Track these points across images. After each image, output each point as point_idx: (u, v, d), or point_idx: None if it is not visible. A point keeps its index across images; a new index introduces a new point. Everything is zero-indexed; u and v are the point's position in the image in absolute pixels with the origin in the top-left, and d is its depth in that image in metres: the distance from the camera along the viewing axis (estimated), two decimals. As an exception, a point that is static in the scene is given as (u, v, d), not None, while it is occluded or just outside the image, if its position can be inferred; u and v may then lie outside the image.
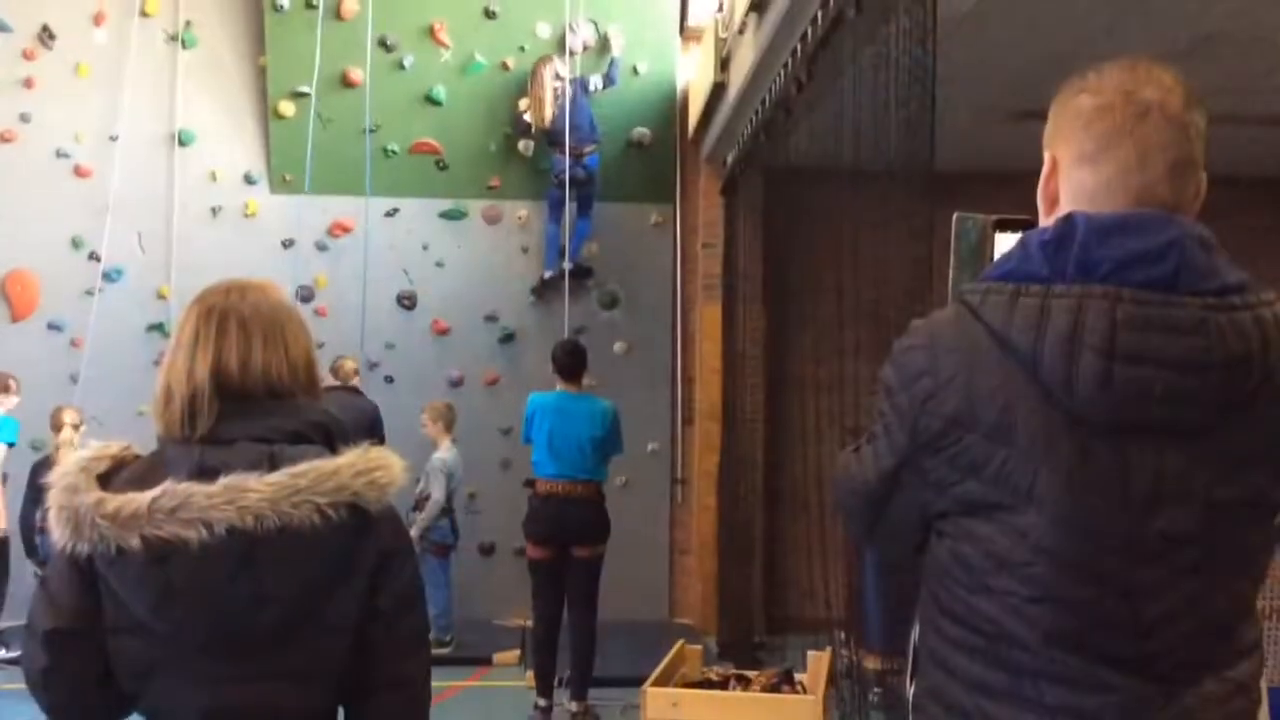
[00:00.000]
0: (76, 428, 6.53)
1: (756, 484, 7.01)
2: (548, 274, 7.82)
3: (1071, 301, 1.30)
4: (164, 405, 1.57)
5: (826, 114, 5.11)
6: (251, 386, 1.56)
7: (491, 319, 7.99)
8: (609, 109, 7.87)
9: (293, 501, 1.48)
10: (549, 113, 7.48)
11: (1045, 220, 1.44)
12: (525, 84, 7.66)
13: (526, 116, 7.60)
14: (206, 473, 1.51)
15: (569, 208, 7.63)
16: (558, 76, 7.51)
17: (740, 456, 7.08)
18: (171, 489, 1.48)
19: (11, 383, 6.73)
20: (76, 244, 7.76)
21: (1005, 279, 1.36)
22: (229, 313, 1.60)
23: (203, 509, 1.46)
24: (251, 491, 1.47)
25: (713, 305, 7.81)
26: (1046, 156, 1.44)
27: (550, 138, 7.62)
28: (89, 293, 7.68)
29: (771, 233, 7.10)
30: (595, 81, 7.58)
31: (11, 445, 6.65)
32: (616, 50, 7.66)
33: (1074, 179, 1.40)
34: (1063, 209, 1.40)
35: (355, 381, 6.84)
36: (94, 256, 7.73)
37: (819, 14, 4.62)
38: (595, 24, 7.79)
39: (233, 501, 1.46)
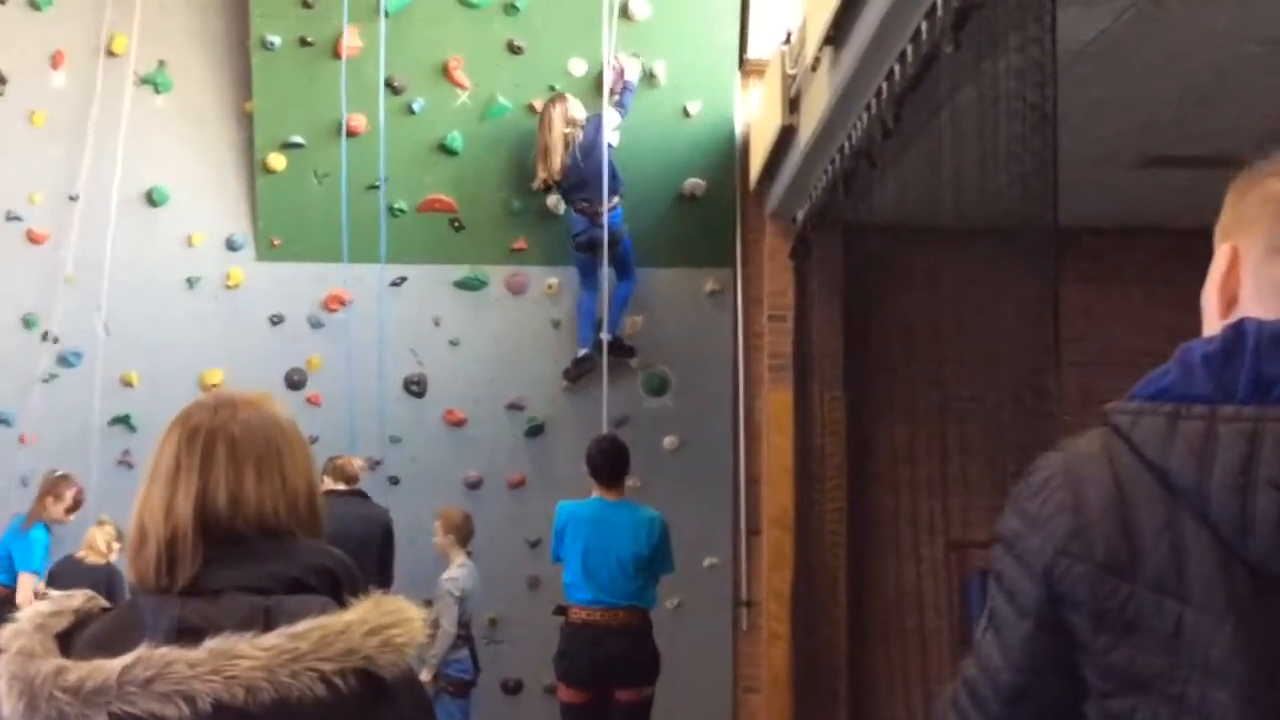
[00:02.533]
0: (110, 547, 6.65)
1: (839, 608, 6.89)
2: (581, 352, 7.86)
3: (1244, 426, 1.26)
4: (137, 548, 1.55)
5: (919, 163, 5.13)
6: (243, 526, 1.54)
7: (516, 408, 8.01)
8: (656, 156, 7.97)
9: (292, 670, 1.45)
10: (557, 164, 7.56)
11: (1214, 325, 1.39)
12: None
13: (536, 171, 7.70)
14: (188, 633, 1.48)
15: (605, 272, 7.67)
16: (570, 121, 7.59)
17: (818, 574, 6.98)
18: (146, 655, 1.45)
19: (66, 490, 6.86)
20: (28, 322, 7.91)
21: (1160, 397, 1.32)
22: (216, 435, 1.59)
23: (183, 680, 1.43)
24: (242, 658, 1.44)
25: (782, 390, 7.79)
26: (1223, 249, 1.40)
27: (565, 192, 7.72)
28: (42, 380, 7.80)
29: (852, 303, 7.10)
30: (613, 121, 7.65)
31: (37, 573, 6.72)
32: (632, 74, 7.74)
33: (1265, 276, 1.36)
34: (1245, 311, 1.36)
35: (358, 484, 6.84)
36: (48, 337, 7.88)
37: (908, 49, 4.65)
38: (639, 58, 7.89)
39: (220, 671, 1.43)
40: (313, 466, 1.64)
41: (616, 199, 7.64)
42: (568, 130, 7.60)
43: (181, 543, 1.53)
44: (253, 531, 1.55)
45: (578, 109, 7.65)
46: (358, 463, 6.97)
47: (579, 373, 7.90)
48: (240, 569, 1.52)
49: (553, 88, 7.87)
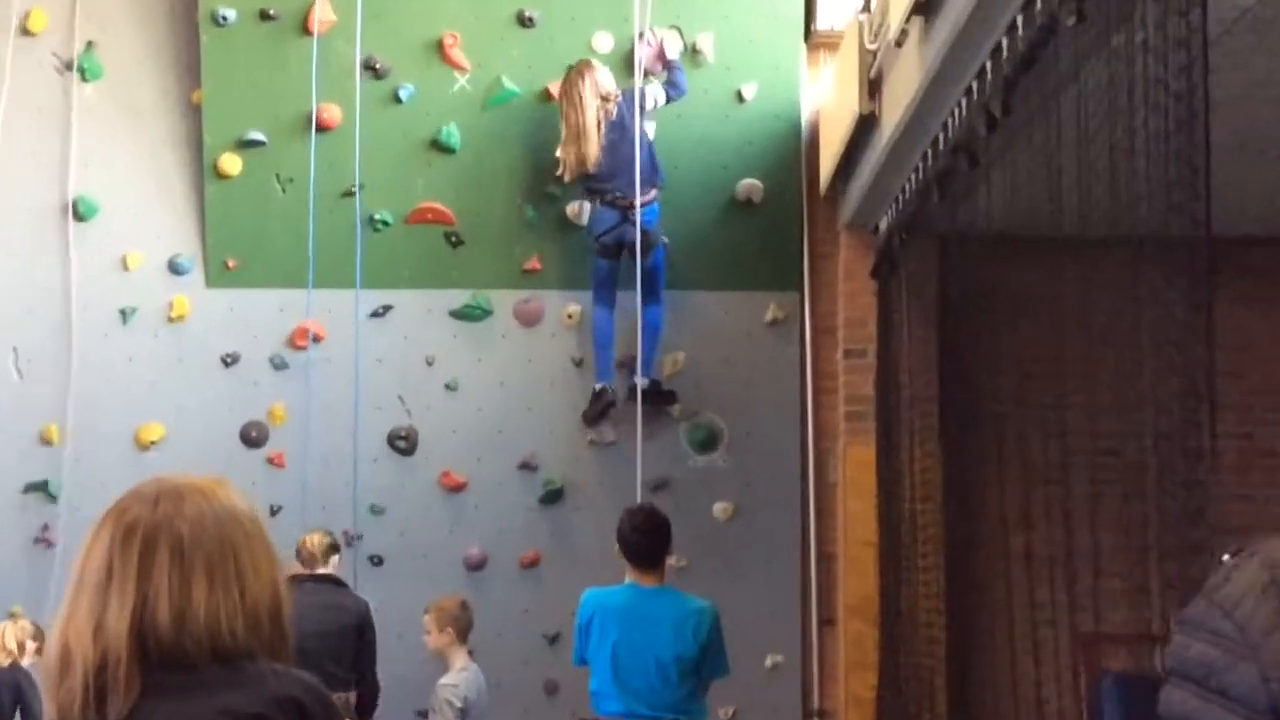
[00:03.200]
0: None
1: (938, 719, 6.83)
2: (599, 386, 7.87)
3: None
4: (59, 677, 1.54)
5: (1033, 160, 5.13)
6: (191, 648, 1.53)
7: (528, 469, 8.03)
8: (702, 152, 8.02)
9: None
10: (594, 149, 7.61)
11: None
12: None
13: (558, 153, 7.74)
14: None
15: (638, 287, 7.70)
16: (603, 95, 7.63)
17: (910, 677, 6.93)
18: None
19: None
20: (-77, 365, 8.01)
21: None
22: (158, 533, 1.58)
23: None
24: None
25: (862, 444, 7.78)
26: None
27: (590, 182, 7.76)
28: (-59, 436, 7.87)
29: (951, 333, 7.07)
30: (654, 95, 7.71)
31: None
32: (673, 52, 7.83)
33: None
34: None
35: (330, 567, 6.82)
36: (-51, 383, 7.95)
37: (1019, 20, 4.66)
38: (680, 30, 7.93)
39: None
40: (279, 571, 1.62)
41: (655, 192, 7.69)
42: (600, 104, 7.64)
43: (114, 670, 1.52)
44: (203, 655, 1.54)
45: (607, 79, 7.72)
46: (319, 540, 6.82)
47: (598, 412, 7.91)
48: (187, 702, 1.51)
49: (571, 67, 7.90)
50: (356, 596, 6.90)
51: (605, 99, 7.64)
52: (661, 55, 7.87)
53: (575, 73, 7.70)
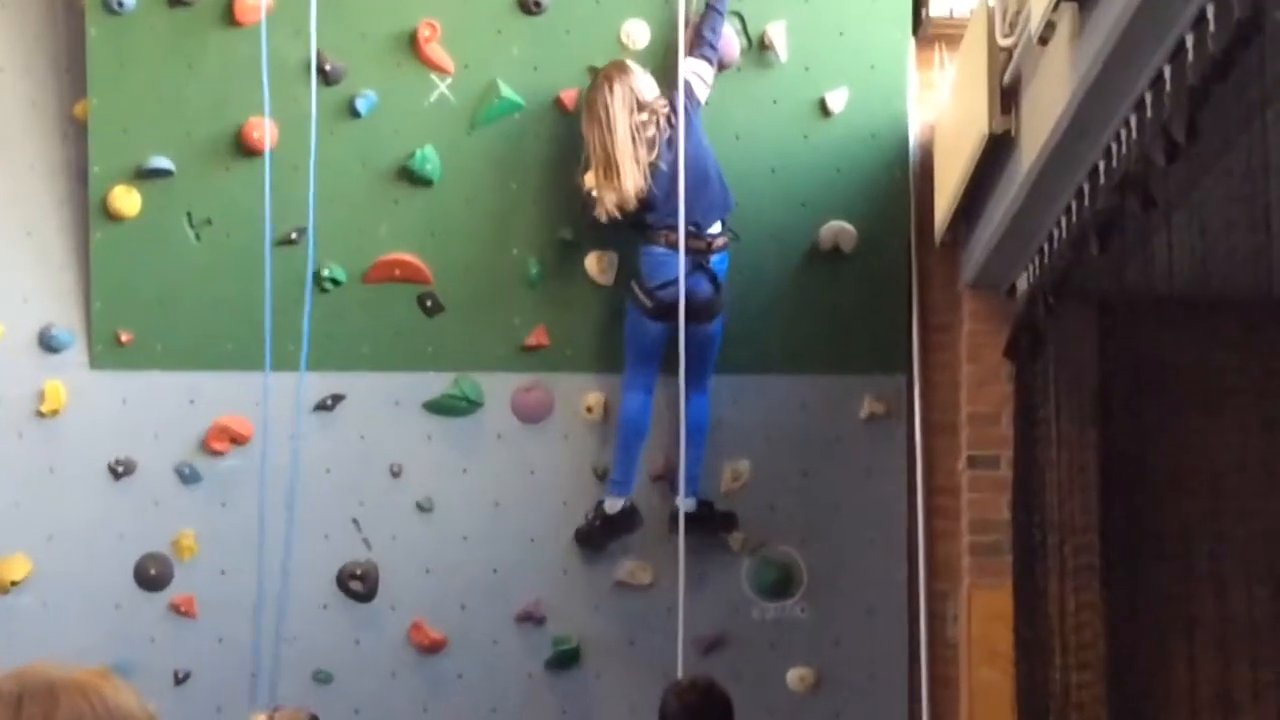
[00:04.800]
0: None
1: None
2: (612, 502, 7.88)
3: None
4: None
5: (1230, 198, 5.11)
6: None
7: (531, 621, 8.02)
8: (773, 183, 8.04)
9: None
10: (631, 180, 7.66)
11: None
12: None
13: (590, 189, 7.78)
14: None
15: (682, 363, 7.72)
16: (642, 106, 7.68)
17: None
18: None
19: None
20: None
21: None
22: None
23: None
24: None
25: (993, 588, 7.77)
26: None
27: (638, 217, 7.82)
28: None
29: (1118, 434, 7.05)
30: (699, 73, 7.77)
31: None
32: (732, 53, 7.88)
33: None
34: None
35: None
36: None
37: (1208, 8, 4.62)
38: (742, 18, 7.96)
39: None
40: None
41: (725, 235, 7.77)
42: (641, 119, 7.67)
43: None
44: None
45: (647, 85, 7.75)
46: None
47: (603, 536, 7.92)
48: None
49: (595, 70, 7.94)
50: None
51: (647, 110, 7.67)
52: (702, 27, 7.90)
53: (602, 79, 7.73)
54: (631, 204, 7.67)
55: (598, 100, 7.69)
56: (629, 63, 7.82)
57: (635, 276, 7.88)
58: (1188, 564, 6.55)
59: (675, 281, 7.70)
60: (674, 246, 7.70)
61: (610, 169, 7.64)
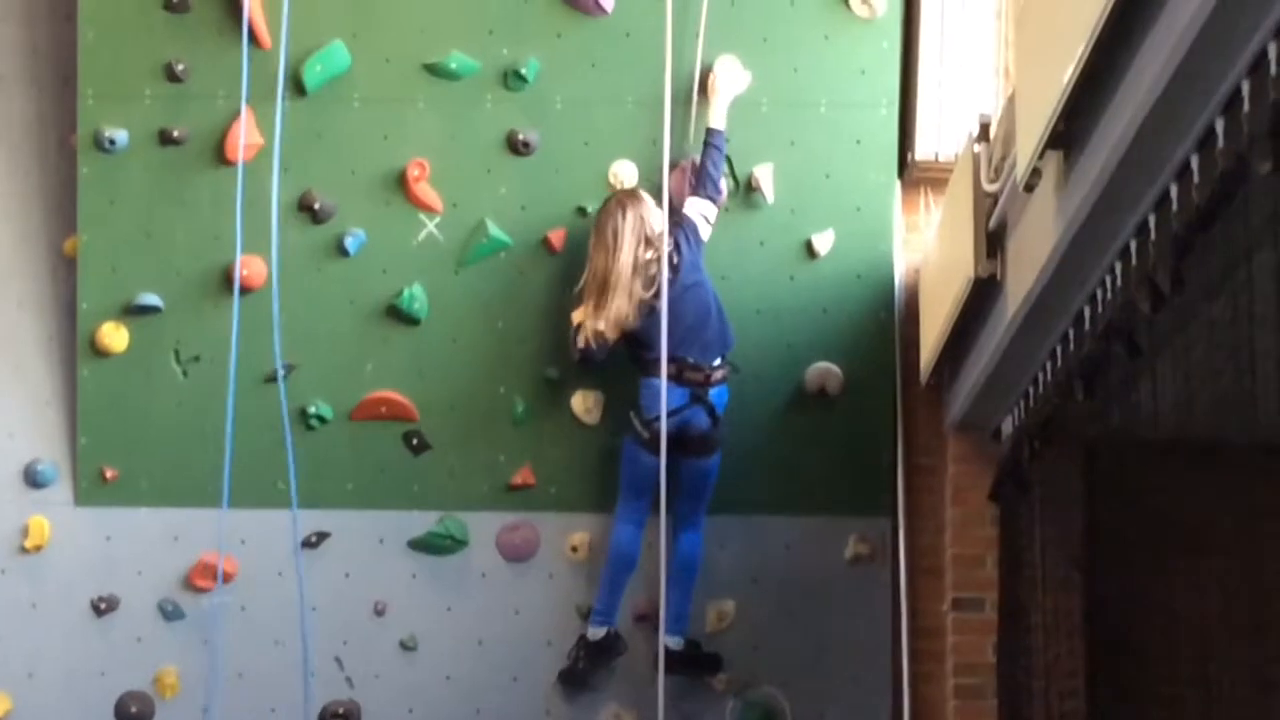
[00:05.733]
0: None
1: None
2: (594, 632, 7.84)
3: None
4: None
5: (1217, 344, 5.08)
6: None
7: (514, 762, 7.93)
8: (760, 325, 8.04)
9: None
10: (616, 309, 7.62)
11: None
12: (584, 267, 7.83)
13: (578, 324, 7.76)
14: None
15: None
16: (650, 243, 7.65)
17: None
18: None
19: None
20: None
21: None
22: None
23: None
24: None
25: (980, 735, 7.65)
26: None
27: (636, 350, 7.82)
28: None
29: (1104, 578, 7.01)
30: (701, 212, 7.74)
31: None
32: (728, 83, 7.86)
33: None
34: None
35: None
36: None
37: (1193, 160, 4.63)
38: (729, 160, 7.97)
39: None
40: None
41: (724, 368, 7.76)
42: (647, 257, 7.64)
43: None
44: None
45: (657, 218, 7.70)
46: None
47: (589, 669, 7.85)
48: None
49: (583, 210, 7.98)
50: None
51: (652, 247, 7.63)
52: (697, 165, 7.90)
53: (615, 204, 7.69)
54: (611, 334, 7.62)
55: (608, 224, 7.65)
56: (642, 192, 7.80)
57: (634, 408, 7.83)
58: (1177, 711, 6.50)
59: (677, 411, 7.68)
60: (672, 378, 7.67)
61: (604, 293, 7.60)
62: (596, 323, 7.64)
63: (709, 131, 7.78)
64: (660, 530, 7.73)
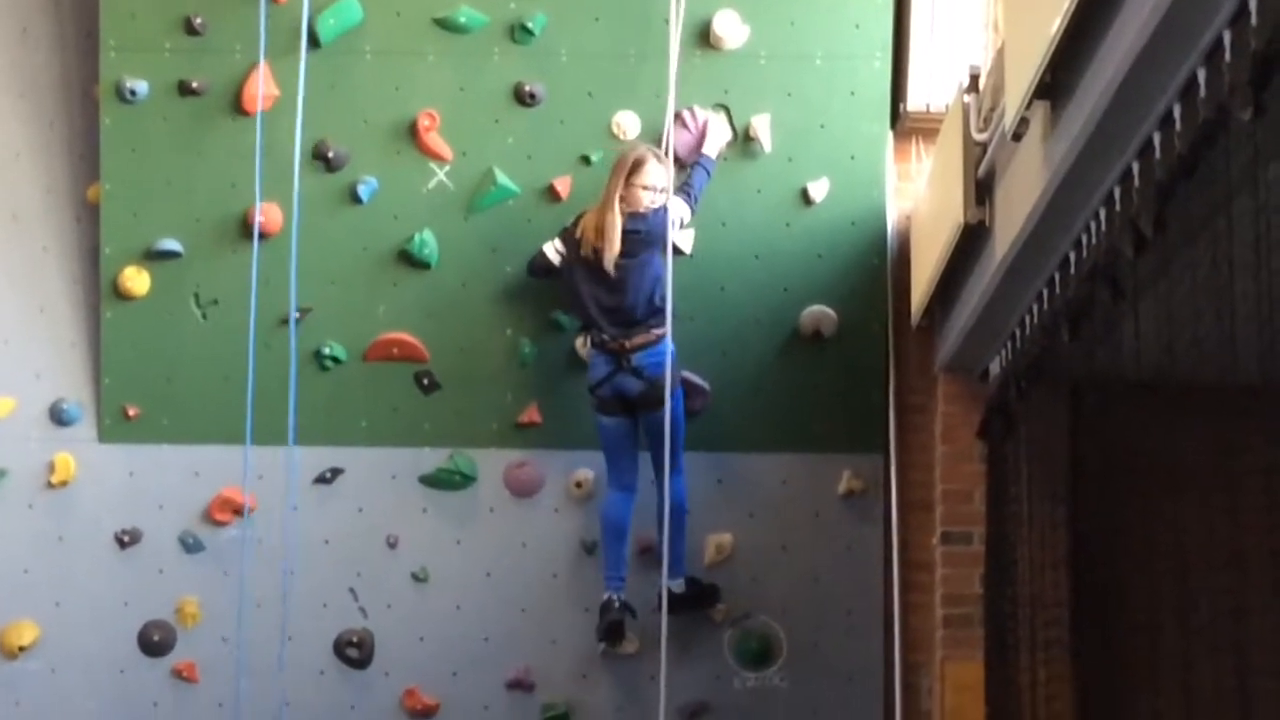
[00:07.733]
0: None
1: None
2: (606, 596, 7.85)
3: None
4: None
5: (1198, 287, 5.11)
6: None
7: (521, 688, 8.02)
8: (755, 270, 8.12)
9: None
10: (600, 220, 7.71)
11: None
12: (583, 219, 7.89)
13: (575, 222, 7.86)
14: None
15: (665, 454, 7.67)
16: (646, 186, 7.71)
17: None
18: None
19: None
20: None
21: None
22: None
23: None
24: None
25: (966, 660, 7.75)
26: None
27: (582, 316, 7.95)
28: None
29: (1088, 513, 7.01)
30: (680, 213, 7.77)
31: None
32: (717, 139, 7.94)
33: None
34: None
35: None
36: None
37: (1175, 108, 4.70)
38: (727, 110, 8.03)
39: None
40: None
41: (660, 332, 7.73)
42: (637, 196, 7.71)
43: None
44: None
45: (660, 176, 7.75)
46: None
47: (607, 631, 7.88)
48: None
49: (587, 159, 8.06)
50: None
51: (649, 191, 7.68)
52: (700, 139, 7.98)
53: (646, 150, 7.76)
54: (592, 243, 7.66)
55: (632, 155, 7.72)
56: (656, 151, 7.83)
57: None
58: (1155, 638, 6.51)
59: (605, 380, 7.77)
60: (598, 348, 7.78)
61: (603, 210, 7.67)
62: (589, 221, 7.74)
63: (703, 156, 7.89)
64: (662, 471, 7.69)
